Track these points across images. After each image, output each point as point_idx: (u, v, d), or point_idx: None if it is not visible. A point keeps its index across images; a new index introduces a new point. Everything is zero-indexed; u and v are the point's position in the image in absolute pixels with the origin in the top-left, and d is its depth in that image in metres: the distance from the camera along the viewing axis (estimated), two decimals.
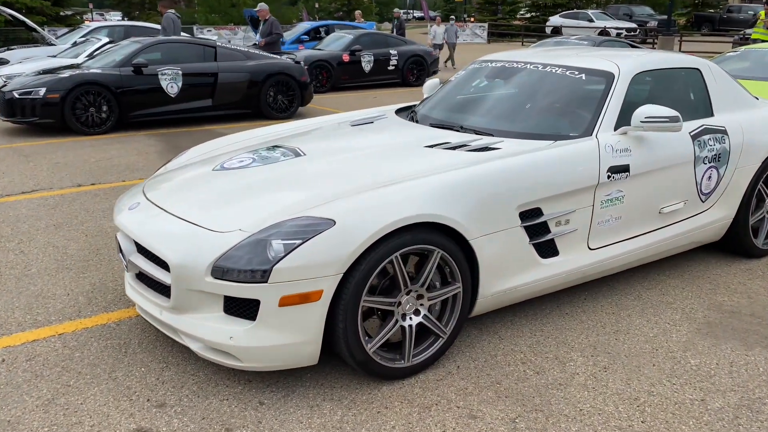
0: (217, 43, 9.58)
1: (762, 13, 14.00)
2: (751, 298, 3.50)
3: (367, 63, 14.06)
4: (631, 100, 3.44)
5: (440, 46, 19.14)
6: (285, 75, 9.81)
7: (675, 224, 3.55)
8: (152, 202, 2.92)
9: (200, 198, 2.84)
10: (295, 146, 3.35)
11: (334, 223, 2.44)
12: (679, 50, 23.84)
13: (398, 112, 4.25)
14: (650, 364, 2.84)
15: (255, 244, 2.43)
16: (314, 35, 17.37)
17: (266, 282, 2.37)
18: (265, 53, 10.18)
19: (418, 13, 68.39)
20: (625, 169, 3.18)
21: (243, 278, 2.40)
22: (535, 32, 33.01)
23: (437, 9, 70.62)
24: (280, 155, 3.20)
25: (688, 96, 3.73)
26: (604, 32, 29.43)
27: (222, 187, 2.89)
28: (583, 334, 3.11)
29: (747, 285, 3.66)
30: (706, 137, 3.54)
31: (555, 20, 32.76)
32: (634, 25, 31.31)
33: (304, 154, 3.18)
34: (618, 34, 29.71)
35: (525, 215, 2.91)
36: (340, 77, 13.73)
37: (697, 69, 3.78)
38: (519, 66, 3.83)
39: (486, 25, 33.34)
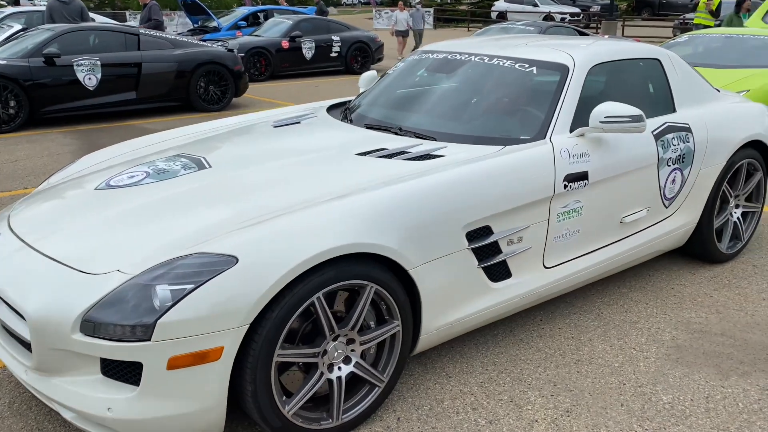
0: (141, 31, 8.80)
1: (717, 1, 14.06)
2: (720, 312, 3.19)
3: (308, 50, 13.42)
4: (588, 96, 3.06)
5: (404, 33, 17.58)
6: (216, 64, 9.13)
7: (637, 234, 3.20)
8: (15, 234, 2.35)
9: (74, 228, 2.29)
10: (200, 155, 2.82)
11: (237, 260, 1.95)
12: (622, 35, 24.00)
13: (331, 109, 3.76)
14: (618, 403, 2.47)
15: (136, 290, 1.92)
16: (254, 21, 16.56)
17: (149, 340, 1.86)
18: (195, 41, 9.45)
19: None
20: (583, 176, 2.79)
21: (120, 335, 1.88)
22: (481, 17, 32.84)
23: None
24: (181, 168, 2.66)
25: (649, 90, 3.37)
26: (548, 17, 29.48)
27: (103, 213, 2.34)
28: (540, 366, 2.72)
29: (714, 297, 3.35)
30: (669, 136, 3.19)
31: (500, 5, 32.62)
32: (577, 10, 31.50)
33: (210, 166, 2.66)
34: (562, 19, 29.83)
35: (472, 235, 2.48)
36: (280, 65, 13.06)
37: (657, 59, 3.43)
38: (463, 58, 3.38)
39: (432, 10, 32.93)
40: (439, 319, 2.47)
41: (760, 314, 3.17)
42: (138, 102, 8.54)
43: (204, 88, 9.09)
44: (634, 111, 2.76)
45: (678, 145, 3.22)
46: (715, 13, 13.92)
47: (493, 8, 33.11)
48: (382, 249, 2.17)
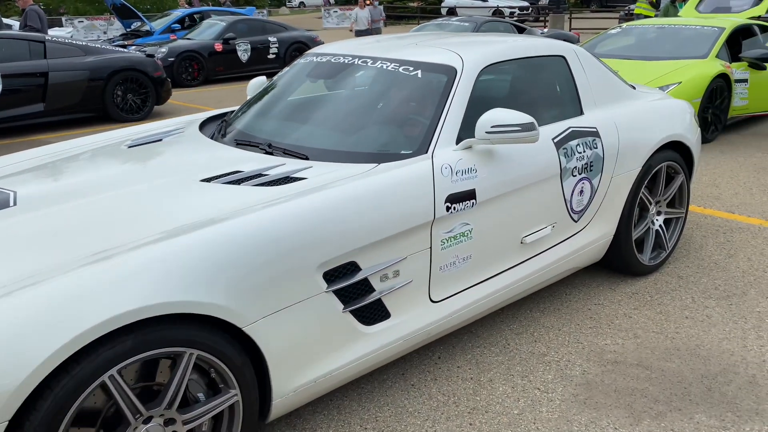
0: (47, 38, 8.16)
1: None
2: (638, 337, 2.86)
3: (243, 52, 12.88)
4: (481, 102, 2.69)
5: (365, 32, 16.16)
6: (134, 71, 8.54)
7: (542, 254, 2.85)
8: None
9: None
10: (12, 189, 2.35)
11: None
12: (570, 28, 24.04)
13: (208, 122, 3.32)
14: None
15: None
16: (191, 24, 15.90)
17: None
18: (109, 47, 8.84)
19: None
20: (469, 195, 2.42)
21: None
22: (432, 14, 32.59)
23: None
24: None
25: (552, 91, 3.03)
26: (497, 12, 29.45)
27: None
28: (429, 419, 2.34)
29: (633, 318, 3.03)
30: (573, 143, 2.85)
31: (450, 0, 32.45)
32: (526, 4, 31.53)
33: (14, 204, 2.19)
34: (511, 14, 29.84)
35: (333, 275, 2.09)
36: (214, 69, 12.49)
37: (562, 57, 3.08)
38: (347, 61, 2.99)
39: (381, 7, 32.49)
40: (297, 378, 2.06)
41: (680, 337, 2.86)
42: (46, 114, 7.90)
43: (122, 97, 8.51)
44: (525, 118, 2.40)
45: (584, 152, 2.88)
46: (655, 4, 13.88)
47: (443, 4, 32.91)
48: (202, 306, 1.75)
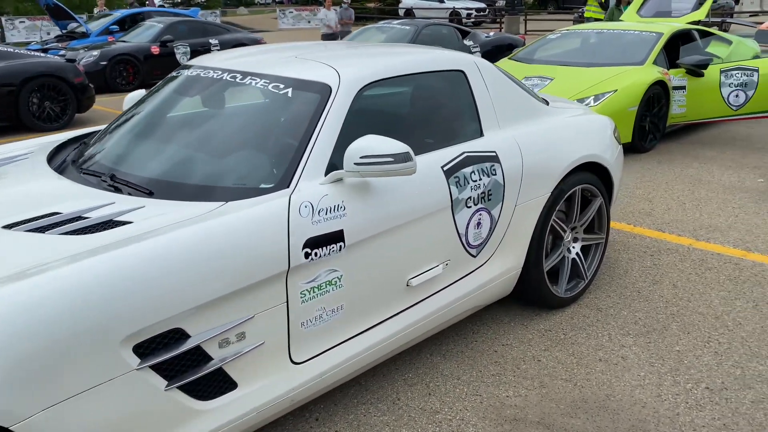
0: None
1: None
2: (545, 386, 2.56)
3: (182, 55, 12.33)
4: (361, 125, 2.35)
5: (331, 36, 15.45)
6: (52, 77, 7.98)
7: (435, 295, 2.52)
8: None
9: None
10: None
11: None
12: (525, 30, 24.06)
13: (67, 144, 2.91)
14: None
15: None
16: (132, 24, 15.24)
17: None
18: (25, 52, 8.26)
19: None
20: (336, 237, 2.07)
21: None
22: (389, 15, 32.30)
23: None
24: None
25: (448, 111, 2.70)
26: (454, 13, 29.33)
27: None
28: None
29: (542, 362, 2.73)
30: (467, 171, 2.52)
31: (407, 2, 32.21)
32: (483, 5, 31.49)
33: None
34: (468, 15, 29.77)
35: (149, 347, 1.71)
36: (151, 72, 11.91)
37: (461, 71, 2.76)
38: (215, 76, 2.61)
39: (338, 8, 32.08)
40: None
41: (590, 385, 2.56)
42: None
43: (38, 105, 7.94)
44: (399, 147, 2.07)
45: (480, 179, 2.56)
46: (604, 5, 13.81)
47: (400, 5, 32.66)
48: None
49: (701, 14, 7.65)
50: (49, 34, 24.38)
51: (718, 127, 7.18)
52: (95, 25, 14.90)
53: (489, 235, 2.66)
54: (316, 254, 2.01)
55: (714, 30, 7.71)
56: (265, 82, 2.43)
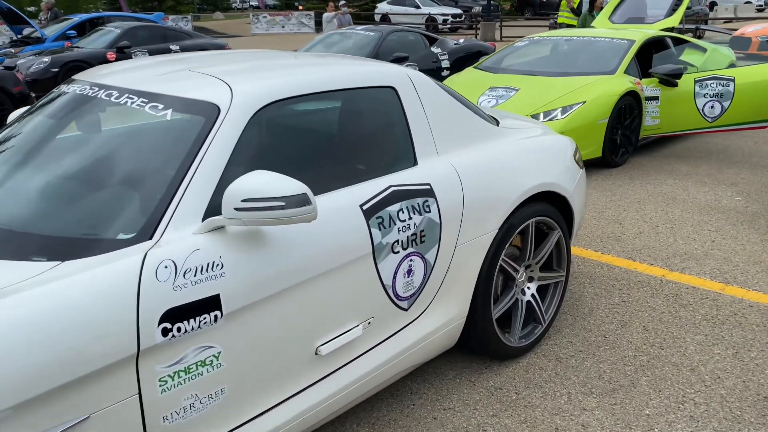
0: None
1: None
2: None
3: None
4: (259, 156, 1.91)
5: None
6: None
7: (356, 361, 2.07)
8: None
9: None
10: None
11: None
12: (501, 36, 23.86)
13: None
14: None
15: None
16: (91, 29, 14.63)
17: None
18: None
19: (255, 2, 64.89)
20: (209, 305, 1.62)
21: None
22: (366, 20, 31.94)
23: None
24: None
25: (373, 136, 2.27)
26: (430, 19, 29.05)
27: None
28: None
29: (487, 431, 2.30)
30: (393, 209, 2.09)
31: (383, 7, 31.87)
32: (459, 11, 31.26)
33: None
34: (444, 21, 29.49)
35: None
36: None
37: (391, 88, 2.33)
38: (90, 93, 2.15)
39: (312, 13, 31.67)
40: None
41: None
42: None
43: None
44: (293, 188, 1.63)
45: (410, 219, 2.13)
46: (577, 11, 13.52)
47: (376, 11, 32.29)
48: None
49: (675, 20, 7.34)
50: (5, 40, 23.63)
51: (694, 140, 6.85)
52: (53, 30, 14.29)
53: (423, 283, 2.22)
54: (179, 329, 1.56)
55: (688, 37, 7.41)
56: (142, 102, 1.98)
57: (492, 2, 31.66)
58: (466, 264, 2.37)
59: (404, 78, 2.38)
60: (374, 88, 2.28)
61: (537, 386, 2.56)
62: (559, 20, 14.00)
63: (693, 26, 15.90)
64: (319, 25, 32.19)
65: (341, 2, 15.46)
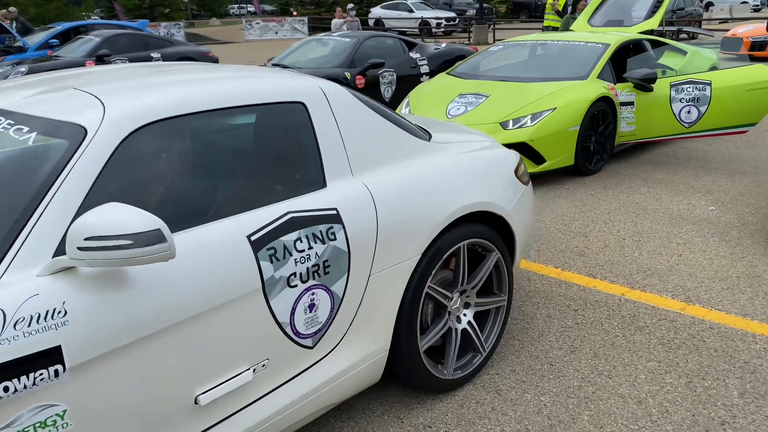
0: None
1: None
2: None
3: None
4: (131, 187, 1.72)
5: None
6: None
7: (247, 409, 1.88)
8: None
9: None
10: None
11: None
12: (493, 39, 23.70)
13: None
14: None
15: None
16: (75, 38, 14.50)
17: None
18: None
19: (252, 8, 64.83)
20: (48, 358, 1.43)
21: None
22: (361, 25, 31.78)
23: (272, 2, 68.06)
24: None
25: (273, 157, 2.08)
26: (423, 23, 28.91)
27: None
28: None
29: None
30: (289, 238, 1.90)
31: (376, 12, 31.79)
32: (453, 15, 31.13)
33: None
34: (438, 24, 29.36)
35: None
36: None
37: (299, 103, 2.14)
38: None
39: (306, 19, 31.54)
40: None
41: None
42: None
43: None
44: (144, 223, 1.44)
45: (311, 248, 1.94)
46: (562, 14, 13.35)
47: (369, 15, 32.15)
48: None
49: (654, 23, 7.16)
50: None
51: (673, 145, 6.65)
52: (35, 39, 14.15)
53: (331, 317, 2.03)
54: (6, 389, 1.37)
55: (667, 40, 7.23)
56: (8, 124, 1.80)
57: (486, 5, 31.58)
58: (385, 294, 2.18)
59: (316, 92, 2.19)
60: (278, 104, 2.09)
61: (470, 423, 2.37)
62: (545, 23, 13.83)
63: (674, 28, 15.72)
64: (313, 31, 32.07)
65: (349, 6, 15.26)
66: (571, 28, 7.92)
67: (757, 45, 12.96)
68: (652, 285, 3.45)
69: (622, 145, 6.07)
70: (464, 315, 2.57)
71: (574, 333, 2.98)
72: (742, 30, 14.29)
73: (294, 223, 1.91)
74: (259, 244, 1.81)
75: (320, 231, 1.96)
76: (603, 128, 5.63)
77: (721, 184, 5.23)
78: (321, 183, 2.08)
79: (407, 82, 8.65)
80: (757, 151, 6.30)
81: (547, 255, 3.92)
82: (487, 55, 6.85)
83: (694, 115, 5.68)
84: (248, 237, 1.80)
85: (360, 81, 8.12)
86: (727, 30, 16.96)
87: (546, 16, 13.82)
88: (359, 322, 2.13)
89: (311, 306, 1.95)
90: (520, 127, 5.24)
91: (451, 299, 2.48)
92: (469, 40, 23.52)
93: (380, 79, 8.40)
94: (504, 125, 5.30)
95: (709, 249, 3.91)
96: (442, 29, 29.31)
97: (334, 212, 2.01)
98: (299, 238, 1.90)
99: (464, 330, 2.55)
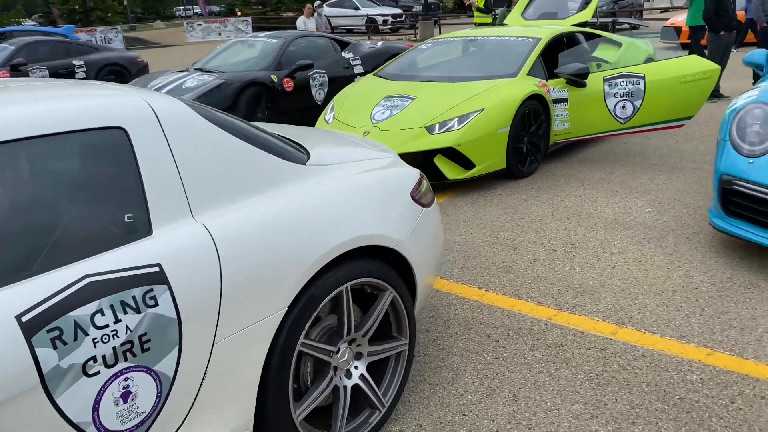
0: None
1: None
2: None
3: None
4: None
5: None
6: None
7: None
8: None
9: None
10: None
11: None
12: (440, 33, 23.41)
13: None
14: None
15: None
16: None
17: None
18: None
19: (198, 9, 63.21)
20: None
21: None
22: None
23: (220, 3, 66.60)
24: None
25: (76, 203, 1.64)
26: (370, 20, 28.50)
27: None
28: None
29: None
30: (83, 312, 1.46)
31: (323, 10, 31.18)
32: (400, 11, 30.83)
33: None
34: (384, 21, 29.01)
35: None
36: None
37: (119, 129, 1.70)
38: None
39: (249, 19, 30.74)
40: None
41: None
42: None
43: None
44: None
45: (117, 322, 1.50)
46: (484, 9, 13.13)
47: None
48: None
49: (587, 14, 6.91)
50: None
51: (611, 141, 6.41)
52: None
53: (158, 405, 1.60)
54: None
55: (601, 32, 7.01)
56: None
57: (432, 1, 31.33)
58: (239, 362, 1.76)
59: (142, 114, 1.76)
60: (88, 132, 1.65)
61: None
62: (475, 20, 13.58)
63: (610, 19, 15.72)
64: (258, 31, 31.28)
65: (316, 4, 14.59)
66: (504, 22, 7.63)
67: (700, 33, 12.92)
68: (582, 305, 3.13)
69: (557, 144, 5.79)
70: (355, 368, 2.17)
71: (493, 371, 2.62)
72: (681, 18, 14.33)
73: (92, 291, 1.47)
74: (34, 325, 1.37)
75: (133, 297, 1.52)
76: (536, 128, 5.32)
77: (659, 182, 4.99)
78: (145, 230, 1.65)
79: (341, 84, 8.20)
80: (696, 144, 6.11)
81: (471, 273, 3.56)
82: (416, 54, 6.49)
83: (629, 110, 5.42)
84: (18, 318, 1.36)
85: (288, 84, 7.67)
86: (668, 19, 17.08)
87: (475, 14, 13.58)
88: (205, 402, 1.71)
89: (125, 395, 1.52)
90: (446, 130, 4.89)
91: (336, 352, 2.08)
92: (416, 37, 23.22)
93: (311, 81, 7.95)
94: (430, 129, 4.94)
95: (644, 258, 3.62)
96: (389, 26, 28.96)
97: (156, 269, 1.58)
98: (99, 311, 1.46)
99: (356, 386, 2.16)
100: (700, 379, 2.49)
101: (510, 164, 5.12)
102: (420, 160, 4.94)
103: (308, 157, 2.22)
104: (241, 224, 1.80)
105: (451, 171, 4.93)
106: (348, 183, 2.17)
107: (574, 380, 2.53)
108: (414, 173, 2.50)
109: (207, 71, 7.87)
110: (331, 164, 2.25)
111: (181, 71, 8.05)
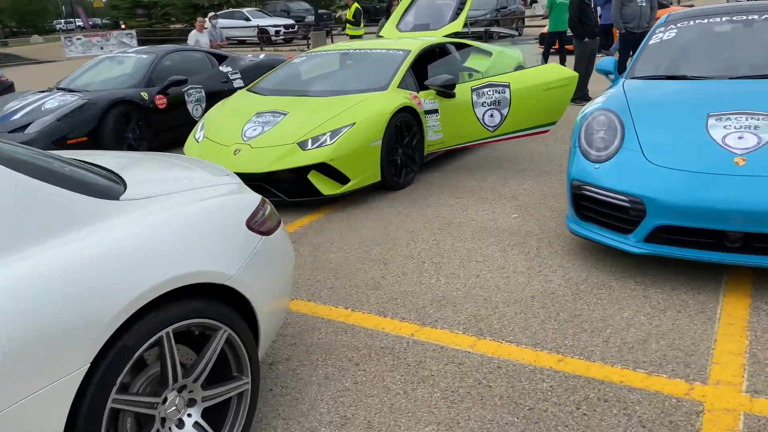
0: None
1: (353, 7, 13.38)
2: None
3: None
4: None
5: None
6: None
7: None
8: None
9: None
10: None
11: None
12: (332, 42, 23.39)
13: None
14: None
15: None
16: None
17: None
18: None
19: (81, 22, 59.71)
20: None
21: None
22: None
23: (103, 16, 63.29)
24: None
25: None
26: (261, 31, 28.07)
27: None
28: None
29: None
30: None
31: (218, 22, 30.36)
32: (292, 22, 30.61)
33: None
34: (276, 32, 28.67)
35: None
36: None
37: None
38: None
39: (134, 32, 29.39)
40: None
41: None
42: None
43: None
44: None
45: None
46: (354, 21, 13.29)
47: (205, 26, 30.62)
48: None
49: (458, 25, 7.07)
50: None
51: (486, 148, 6.58)
52: None
53: None
54: None
55: (471, 41, 7.20)
56: None
57: (324, 11, 31.33)
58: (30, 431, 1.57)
59: None
60: None
61: None
62: (348, 32, 13.66)
63: (482, 29, 16.36)
64: (143, 44, 29.96)
65: (210, 15, 13.67)
66: (380, 34, 7.68)
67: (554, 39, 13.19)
68: (445, 318, 3.13)
69: (432, 154, 5.86)
70: (188, 416, 2.02)
71: (350, 398, 2.55)
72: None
73: None
74: None
75: None
76: (409, 139, 5.36)
77: (526, 187, 5.16)
78: None
79: (219, 99, 7.95)
80: (565, 147, 6.38)
81: (340, 293, 3.49)
82: (289, 68, 6.38)
83: (497, 119, 5.58)
84: None
85: (161, 101, 7.32)
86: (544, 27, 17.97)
87: (347, 26, 13.67)
88: None
89: None
90: (319, 146, 4.81)
91: (163, 402, 1.93)
92: (308, 47, 23.10)
93: (186, 97, 7.65)
94: (302, 145, 4.84)
95: (507, 265, 3.70)
96: (282, 37, 28.66)
97: None
98: None
99: None
100: (550, 386, 2.54)
101: (385, 177, 5.11)
102: (295, 176, 4.84)
103: (125, 189, 2.05)
104: (22, 276, 1.60)
105: (326, 186, 4.86)
106: (167, 217, 2.02)
107: (430, 399, 2.50)
108: (253, 200, 2.38)
109: (71, 90, 7.37)
110: (151, 197, 2.09)
111: (43, 91, 7.49)
